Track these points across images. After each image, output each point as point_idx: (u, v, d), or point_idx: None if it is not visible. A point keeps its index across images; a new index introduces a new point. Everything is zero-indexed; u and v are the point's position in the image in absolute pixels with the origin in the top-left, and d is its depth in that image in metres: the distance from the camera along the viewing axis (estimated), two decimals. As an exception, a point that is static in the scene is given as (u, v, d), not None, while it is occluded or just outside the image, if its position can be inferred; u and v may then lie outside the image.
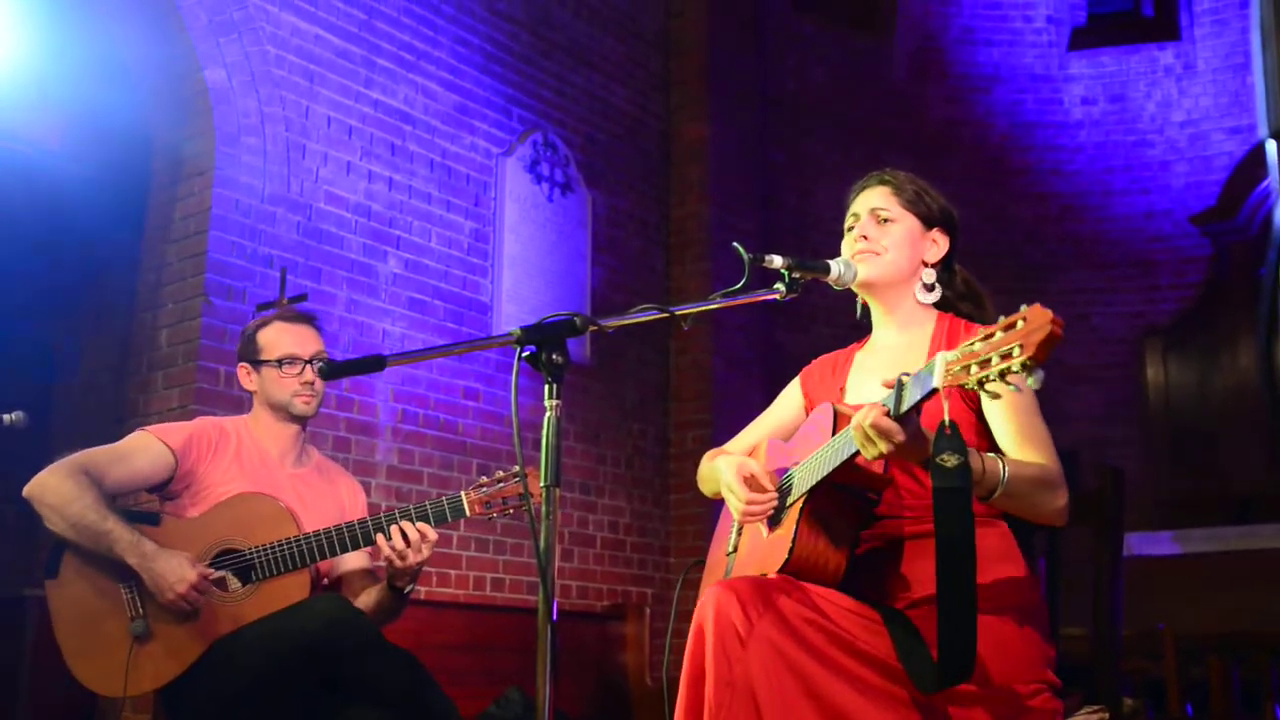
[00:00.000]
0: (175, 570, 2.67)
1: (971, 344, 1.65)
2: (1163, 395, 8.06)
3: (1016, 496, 1.92)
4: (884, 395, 1.84)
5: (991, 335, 1.63)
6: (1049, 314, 1.56)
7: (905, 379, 1.80)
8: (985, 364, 1.62)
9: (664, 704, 2.04)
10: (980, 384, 1.63)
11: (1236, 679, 4.90)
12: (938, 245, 2.29)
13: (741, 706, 1.86)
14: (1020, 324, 1.59)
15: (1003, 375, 1.59)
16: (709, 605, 1.94)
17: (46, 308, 5.72)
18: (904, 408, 1.78)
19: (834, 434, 2.00)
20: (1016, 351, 1.57)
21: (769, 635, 1.86)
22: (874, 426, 1.80)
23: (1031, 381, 1.57)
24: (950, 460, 1.75)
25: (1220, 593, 5.27)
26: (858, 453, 1.88)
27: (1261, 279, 7.70)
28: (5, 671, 4.67)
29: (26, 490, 2.74)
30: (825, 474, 1.96)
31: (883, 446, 1.82)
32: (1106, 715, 2.10)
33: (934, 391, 1.71)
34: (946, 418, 1.75)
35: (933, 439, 1.79)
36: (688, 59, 7.00)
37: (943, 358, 1.69)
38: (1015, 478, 1.90)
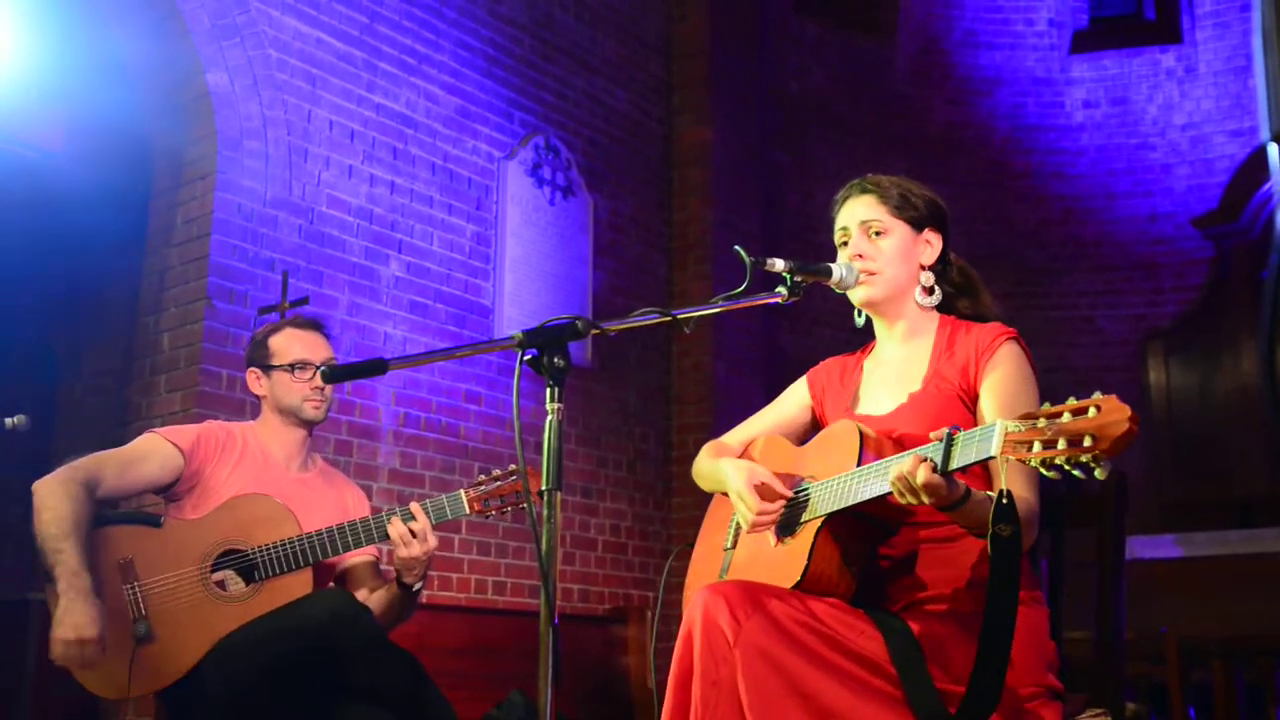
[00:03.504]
0: (80, 616, 2.59)
1: (1036, 420, 1.65)
2: (1165, 398, 8.04)
3: None
4: (930, 447, 1.83)
5: (1059, 415, 1.62)
6: (1127, 409, 1.57)
7: (956, 435, 1.79)
8: (1050, 445, 1.61)
9: (653, 701, 2.04)
10: (1044, 464, 1.63)
11: (1240, 683, 4.89)
12: (932, 246, 2.28)
13: (727, 706, 1.86)
14: (1093, 411, 1.59)
15: (1070, 461, 1.59)
16: (697, 608, 1.94)
17: (48, 311, 5.73)
18: (953, 467, 1.78)
19: (860, 458, 1.99)
20: (1088, 442, 1.58)
21: (756, 636, 1.86)
22: (925, 486, 1.79)
23: (1099, 473, 1.58)
24: (1006, 530, 1.75)
25: (1223, 596, 5.26)
26: (890, 491, 1.88)
27: (1264, 282, 7.68)
28: (9, 675, 4.67)
29: (34, 489, 2.75)
30: (852, 504, 1.96)
31: (925, 500, 1.82)
32: (1109, 719, 2.10)
33: (989, 458, 1.71)
34: (1005, 486, 1.74)
35: (959, 499, 1.81)
36: (689, 62, 7.00)
37: (1002, 426, 1.69)
38: None
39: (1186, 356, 8.06)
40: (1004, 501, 1.74)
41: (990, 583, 1.78)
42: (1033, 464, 1.64)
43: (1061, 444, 1.60)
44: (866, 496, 1.93)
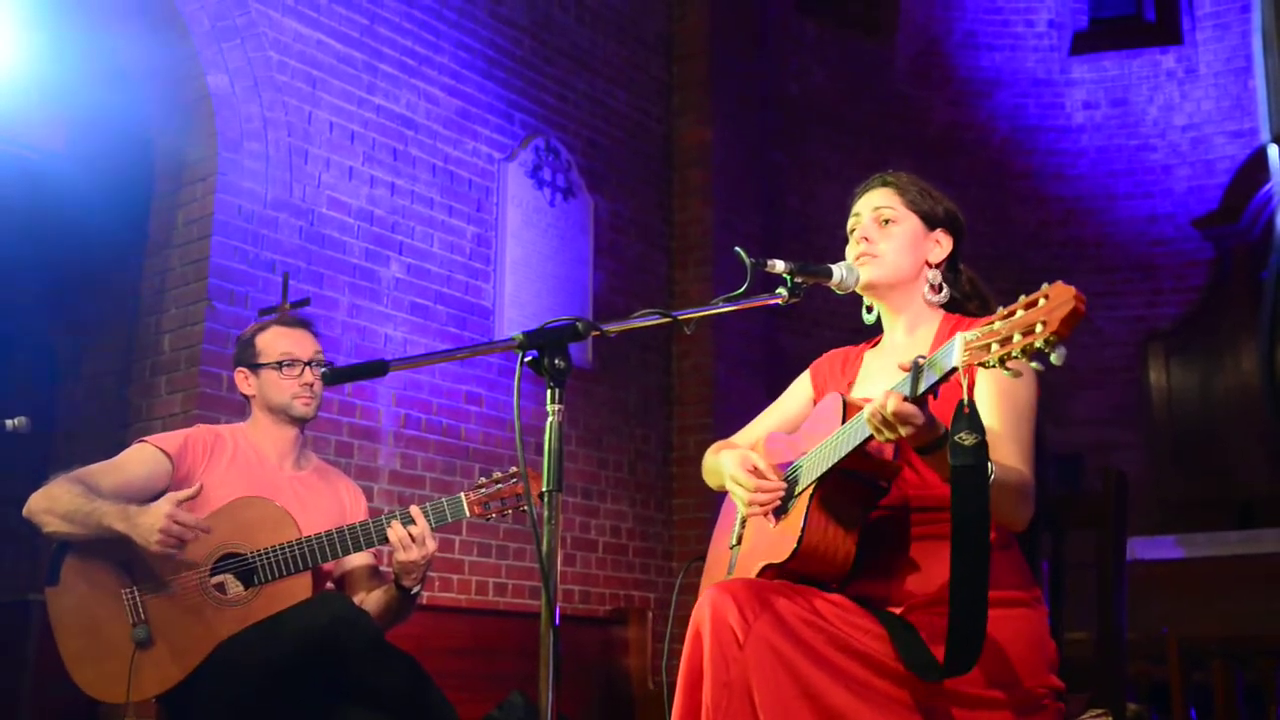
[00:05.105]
0: (152, 515, 2.66)
1: (992, 323, 1.65)
2: (1165, 399, 8.05)
3: (992, 501, 1.91)
4: (897, 381, 1.83)
5: (1013, 313, 1.62)
6: (1071, 290, 1.56)
7: (922, 362, 1.79)
8: (1006, 341, 1.61)
9: (664, 706, 2.04)
10: (1001, 361, 1.62)
11: (1241, 683, 4.89)
12: (941, 246, 2.28)
13: (739, 707, 1.86)
14: (1042, 301, 1.59)
15: (1025, 352, 1.59)
16: (705, 607, 1.93)
17: (49, 312, 5.73)
18: (921, 389, 1.78)
19: (844, 423, 1.99)
20: (1039, 328, 1.57)
21: (766, 636, 1.86)
22: (895, 413, 1.79)
23: (1055, 358, 1.57)
24: (968, 439, 1.74)
25: (1224, 597, 5.26)
26: (870, 439, 1.87)
27: (1263, 282, 7.69)
28: (8, 676, 4.66)
29: (25, 510, 2.75)
30: (836, 460, 1.95)
31: (902, 431, 1.81)
32: (1111, 719, 2.10)
33: (953, 371, 1.71)
34: (966, 396, 1.74)
35: (951, 419, 1.78)
36: (690, 63, 7.00)
37: (961, 337, 1.69)
38: (999, 482, 1.90)
39: (1187, 357, 8.06)
40: (965, 412, 1.74)
41: (954, 495, 1.77)
42: (992, 364, 1.63)
43: (1016, 337, 1.60)
44: (849, 448, 1.92)
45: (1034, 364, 1.60)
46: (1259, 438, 7.55)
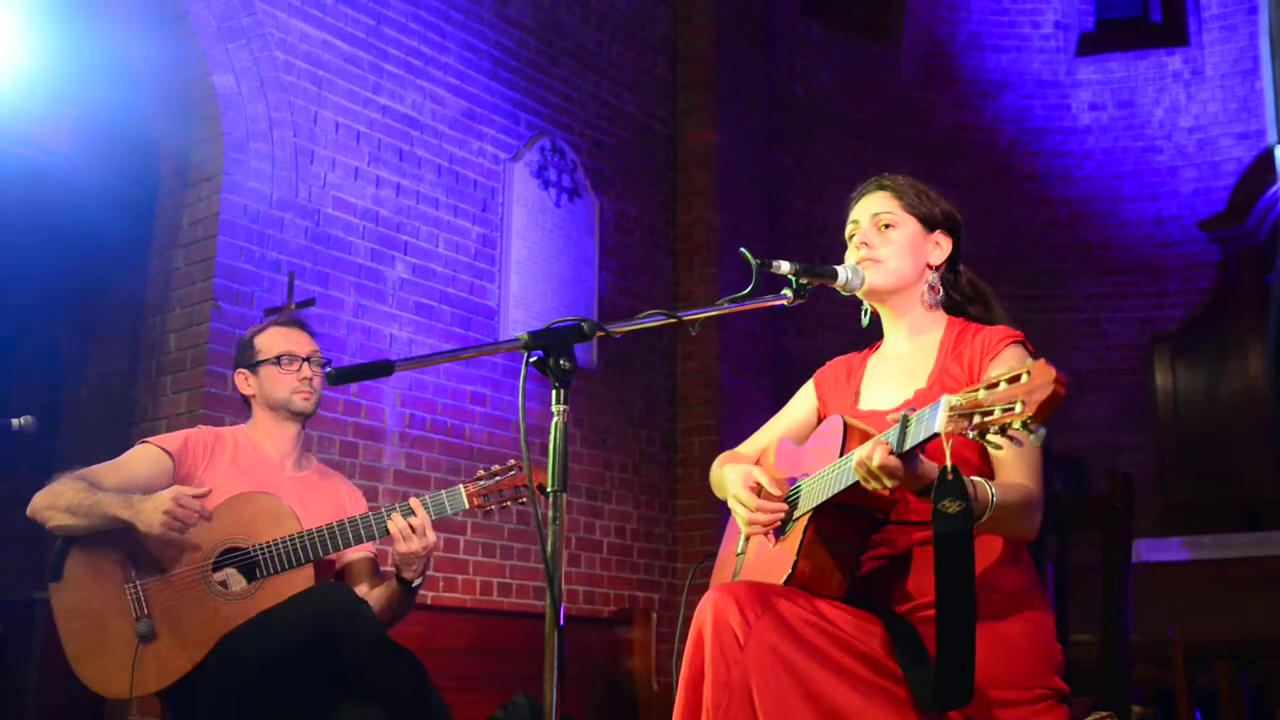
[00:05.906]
0: (157, 499, 2.68)
1: (976, 391, 1.66)
2: (1171, 401, 8.03)
3: (997, 522, 1.91)
4: (890, 431, 1.83)
5: (995, 385, 1.64)
6: (1053, 373, 1.57)
7: (910, 416, 1.80)
8: (987, 414, 1.63)
9: (671, 707, 2.04)
10: (981, 434, 1.64)
11: (1246, 685, 4.88)
12: (941, 247, 2.28)
13: (739, 708, 1.86)
14: (1025, 378, 1.60)
15: (1003, 429, 1.60)
16: (707, 608, 1.94)
17: (55, 312, 5.74)
18: (906, 447, 1.79)
19: (843, 450, 1.99)
20: (1019, 408, 1.58)
21: (766, 637, 1.86)
22: (881, 467, 1.80)
23: (1033, 439, 1.59)
24: (952, 507, 1.76)
25: (1229, 599, 5.25)
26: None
27: (1270, 285, 7.69)
28: (15, 674, 4.68)
29: (28, 509, 2.76)
30: (831, 495, 1.96)
31: (887, 483, 1.82)
32: (1115, 722, 2.10)
33: (935, 435, 1.72)
34: (949, 463, 1.75)
35: (934, 482, 1.79)
36: (695, 64, 7.00)
37: (946, 402, 1.70)
38: (1001, 505, 1.90)
39: (1193, 359, 8.05)
40: (949, 478, 1.75)
41: (937, 563, 1.77)
42: (971, 435, 1.65)
43: (997, 412, 1.61)
44: (842, 486, 1.93)
45: (1013, 442, 1.62)
46: (1265, 440, 7.54)
